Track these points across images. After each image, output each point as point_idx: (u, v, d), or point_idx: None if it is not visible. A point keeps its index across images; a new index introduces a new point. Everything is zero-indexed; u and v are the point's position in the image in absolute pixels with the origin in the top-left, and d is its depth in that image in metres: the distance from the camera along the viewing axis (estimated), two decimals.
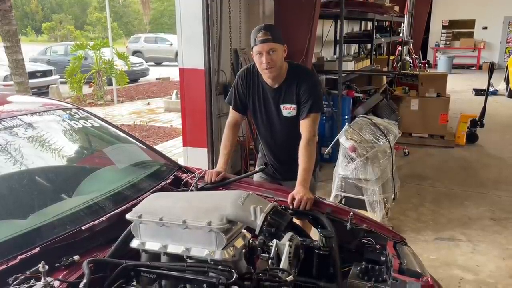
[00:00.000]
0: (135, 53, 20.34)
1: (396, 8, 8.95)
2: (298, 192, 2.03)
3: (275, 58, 2.23)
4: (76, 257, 1.47)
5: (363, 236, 1.89)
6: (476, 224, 3.94)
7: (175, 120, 8.76)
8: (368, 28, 9.22)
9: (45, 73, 12.05)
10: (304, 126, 2.30)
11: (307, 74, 2.40)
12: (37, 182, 1.93)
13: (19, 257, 1.40)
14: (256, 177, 2.66)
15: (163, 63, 21.34)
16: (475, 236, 3.70)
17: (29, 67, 9.53)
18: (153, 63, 20.42)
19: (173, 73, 15.17)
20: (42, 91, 11.13)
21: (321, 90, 2.48)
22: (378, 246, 1.83)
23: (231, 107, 2.53)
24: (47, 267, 1.27)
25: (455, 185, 4.89)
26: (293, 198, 2.02)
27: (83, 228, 1.61)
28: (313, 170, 2.41)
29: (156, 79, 15.96)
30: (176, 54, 4.02)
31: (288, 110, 2.38)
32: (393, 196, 3.84)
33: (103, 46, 11.57)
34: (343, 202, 3.66)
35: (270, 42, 2.20)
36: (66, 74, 10.84)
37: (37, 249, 1.45)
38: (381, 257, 1.73)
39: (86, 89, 11.66)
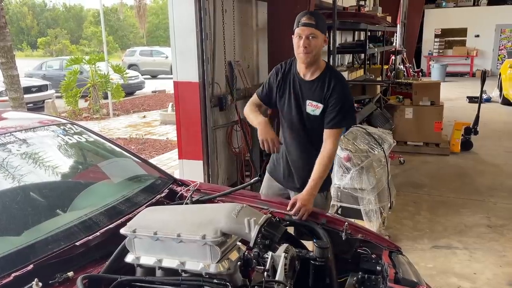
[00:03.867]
0: (131, 66, 20.39)
1: (389, 18, 9.03)
2: (302, 200, 2.03)
3: (313, 44, 2.19)
4: (71, 273, 1.47)
5: (359, 246, 1.90)
6: (472, 231, 3.95)
7: (171, 133, 8.76)
8: (361, 38, 9.31)
9: (40, 88, 12.10)
10: (330, 136, 2.25)
11: (342, 82, 2.34)
12: (31, 198, 1.92)
13: (13, 275, 1.39)
14: (266, 183, 2.63)
15: (159, 76, 21.42)
16: (471, 244, 3.71)
17: (25, 82, 9.56)
18: (148, 76, 20.50)
19: (168, 86, 15.18)
20: (37, 106, 11.16)
21: (352, 101, 2.44)
22: (373, 256, 1.84)
23: (255, 93, 2.50)
24: (41, 284, 1.27)
25: (451, 193, 4.91)
26: (294, 203, 2.02)
27: (77, 243, 1.60)
28: (327, 190, 2.44)
29: (152, 92, 16.00)
30: (171, 67, 4.04)
31: (313, 107, 2.30)
32: (389, 205, 3.84)
33: (99, 60, 11.61)
34: (339, 212, 3.66)
35: (312, 27, 2.18)
36: (62, 88, 10.85)
37: (31, 266, 1.44)
38: (377, 267, 1.74)
39: (82, 103, 11.66)
